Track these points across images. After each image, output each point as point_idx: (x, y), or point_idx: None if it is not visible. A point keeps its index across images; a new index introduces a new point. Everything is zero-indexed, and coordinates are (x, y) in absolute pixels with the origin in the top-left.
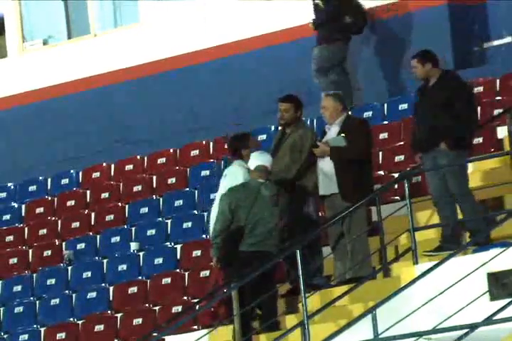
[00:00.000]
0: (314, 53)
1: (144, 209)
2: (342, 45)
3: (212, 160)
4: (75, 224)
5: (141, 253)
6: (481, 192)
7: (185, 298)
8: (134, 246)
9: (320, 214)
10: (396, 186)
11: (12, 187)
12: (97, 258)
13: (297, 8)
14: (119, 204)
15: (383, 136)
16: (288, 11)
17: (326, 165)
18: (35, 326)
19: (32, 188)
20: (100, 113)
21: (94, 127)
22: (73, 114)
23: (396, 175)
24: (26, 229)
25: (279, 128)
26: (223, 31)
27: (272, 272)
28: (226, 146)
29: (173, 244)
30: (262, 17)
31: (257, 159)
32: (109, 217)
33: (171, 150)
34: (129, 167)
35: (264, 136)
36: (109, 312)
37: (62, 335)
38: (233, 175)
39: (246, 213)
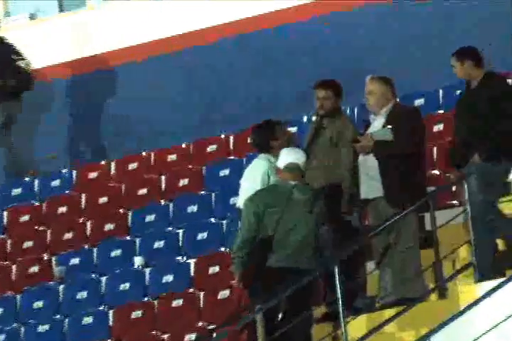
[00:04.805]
0: None
1: (150, 217)
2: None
3: (232, 158)
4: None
5: (147, 270)
6: None
7: (200, 323)
8: (138, 261)
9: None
10: (454, 188)
11: None
12: (93, 275)
13: None
14: (121, 211)
15: (438, 127)
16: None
17: (368, 163)
18: None
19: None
20: None
21: None
22: None
23: None
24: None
25: (314, 118)
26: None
27: (306, 293)
28: (250, 139)
29: (185, 258)
30: None
31: (288, 156)
32: (109, 227)
33: (183, 146)
34: (133, 166)
35: (294, 129)
36: None
37: None
38: (252, 170)
39: (275, 221)
